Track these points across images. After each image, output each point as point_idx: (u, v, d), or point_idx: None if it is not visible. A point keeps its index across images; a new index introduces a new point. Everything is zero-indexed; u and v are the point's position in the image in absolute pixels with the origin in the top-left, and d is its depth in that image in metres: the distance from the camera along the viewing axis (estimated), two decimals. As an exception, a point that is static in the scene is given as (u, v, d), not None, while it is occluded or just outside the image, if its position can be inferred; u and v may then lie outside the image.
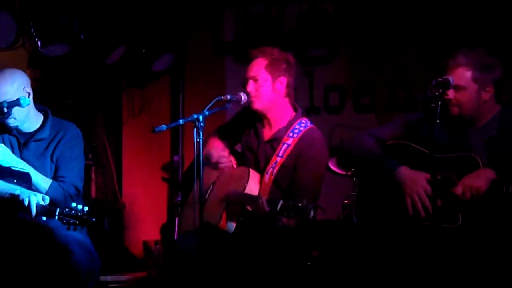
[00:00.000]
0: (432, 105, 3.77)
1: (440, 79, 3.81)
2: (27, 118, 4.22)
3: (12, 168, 4.07)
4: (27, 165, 4.14)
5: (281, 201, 3.91)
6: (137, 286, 5.36)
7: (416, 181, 3.84)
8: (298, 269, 4.24)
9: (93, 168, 6.38)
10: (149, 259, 5.74)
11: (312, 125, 4.38)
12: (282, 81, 4.34)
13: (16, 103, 4.10)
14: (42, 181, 4.12)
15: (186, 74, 6.43)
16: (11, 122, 4.17)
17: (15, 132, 4.23)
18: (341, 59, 6.08)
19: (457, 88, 3.84)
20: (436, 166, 3.79)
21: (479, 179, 3.69)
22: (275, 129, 4.37)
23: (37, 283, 4.08)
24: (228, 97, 4.12)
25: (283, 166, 4.28)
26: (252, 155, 4.41)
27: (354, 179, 4.65)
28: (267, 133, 4.41)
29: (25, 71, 4.26)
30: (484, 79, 3.84)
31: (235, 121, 4.58)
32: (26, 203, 3.86)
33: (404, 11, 5.82)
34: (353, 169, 4.98)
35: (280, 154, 4.31)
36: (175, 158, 6.33)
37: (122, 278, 5.33)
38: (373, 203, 4.02)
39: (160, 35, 6.21)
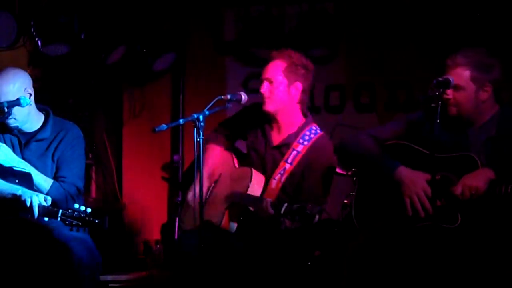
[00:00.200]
0: (432, 104, 3.77)
1: (440, 79, 3.81)
2: (28, 118, 4.22)
3: (14, 168, 4.08)
4: (28, 165, 4.14)
5: (286, 204, 3.92)
6: (137, 285, 5.36)
7: (415, 181, 3.84)
8: (299, 268, 4.24)
9: (93, 167, 6.39)
10: (149, 258, 5.74)
11: (322, 132, 4.38)
12: (298, 87, 4.32)
13: (16, 103, 4.10)
14: (43, 181, 4.13)
15: (186, 73, 6.43)
16: (12, 122, 4.17)
17: (16, 132, 4.24)
18: (342, 59, 6.08)
19: (456, 88, 3.84)
20: (435, 166, 3.79)
21: (478, 179, 3.69)
22: (284, 134, 4.36)
23: (38, 281, 4.09)
24: (229, 96, 4.13)
25: (292, 174, 4.27)
26: (258, 157, 4.39)
27: (354, 178, 4.65)
28: (276, 137, 4.39)
29: (25, 71, 4.27)
30: (482, 79, 3.84)
31: (241, 116, 4.54)
32: (28, 204, 3.86)
33: (404, 11, 5.82)
34: (353, 169, 4.98)
35: (289, 161, 4.29)
36: (175, 157, 6.33)
37: (123, 277, 5.33)
38: (372, 203, 4.02)
39: (160, 34, 6.21)
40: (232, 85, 6.15)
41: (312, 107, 6.07)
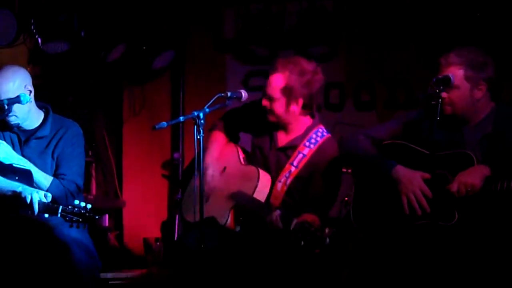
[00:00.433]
0: (432, 102, 3.77)
1: (440, 77, 3.82)
2: (28, 115, 4.22)
3: (14, 165, 4.08)
4: (28, 162, 4.14)
5: (295, 220, 3.90)
6: (137, 283, 5.36)
7: (412, 180, 3.84)
8: (299, 267, 4.24)
9: (93, 165, 6.39)
10: (149, 256, 5.74)
11: (328, 134, 4.36)
12: (299, 102, 4.26)
13: (16, 100, 4.10)
14: (43, 178, 4.13)
15: (186, 71, 6.43)
16: (13, 119, 4.17)
17: (16, 130, 4.24)
18: (341, 57, 6.08)
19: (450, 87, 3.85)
20: (431, 164, 3.80)
21: (474, 176, 3.69)
22: (291, 136, 4.34)
23: (38, 280, 4.09)
24: (229, 94, 4.10)
25: (297, 177, 4.26)
26: (263, 158, 4.38)
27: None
28: (282, 139, 4.36)
29: (25, 68, 4.26)
30: (476, 77, 3.84)
31: (248, 110, 4.49)
32: (28, 201, 3.86)
33: (404, 10, 5.82)
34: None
35: (295, 164, 4.28)
36: (176, 155, 6.33)
37: (123, 275, 5.33)
38: (370, 203, 4.03)
39: (160, 32, 6.21)
40: (232, 83, 6.15)
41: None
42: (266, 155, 4.37)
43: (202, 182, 3.92)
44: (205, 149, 4.39)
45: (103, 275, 4.77)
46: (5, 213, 4.01)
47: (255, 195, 4.23)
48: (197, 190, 3.90)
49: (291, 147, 4.32)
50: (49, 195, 3.92)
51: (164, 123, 3.94)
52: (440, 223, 3.74)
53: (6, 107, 4.10)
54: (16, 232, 4.11)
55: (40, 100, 4.38)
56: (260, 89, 6.02)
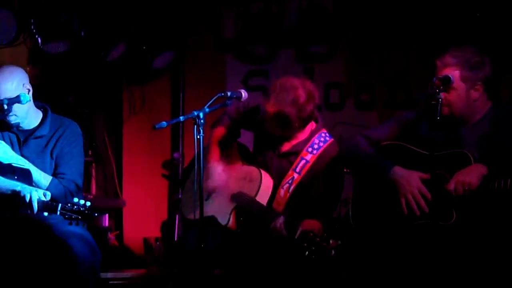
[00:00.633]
0: (432, 102, 3.78)
1: (440, 76, 3.82)
2: (27, 115, 4.23)
3: (13, 164, 4.08)
4: (27, 162, 4.14)
5: (300, 229, 3.90)
6: (137, 283, 5.35)
7: (410, 181, 3.85)
8: (299, 267, 4.24)
9: (93, 165, 6.39)
10: (149, 256, 5.74)
11: (331, 139, 4.35)
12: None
13: (16, 100, 4.11)
14: (42, 178, 4.13)
15: (186, 71, 6.43)
16: (13, 119, 4.18)
17: (15, 129, 4.24)
18: (341, 56, 6.08)
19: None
20: (429, 164, 3.80)
21: (471, 175, 3.69)
22: (294, 141, 4.32)
23: (38, 278, 4.09)
24: (229, 93, 4.08)
25: (300, 183, 4.25)
26: (264, 161, 4.36)
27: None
28: (285, 144, 4.34)
29: (25, 68, 4.27)
30: (472, 77, 3.84)
31: (253, 113, 4.46)
32: (27, 199, 3.86)
33: (404, 9, 5.82)
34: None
35: (297, 170, 4.27)
36: (175, 155, 6.34)
37: (123, 275, 5.32)
38: (368, 204, 4.03)
39: (160, 32, 6.21)
40: (232, 83, 6.16)
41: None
42: (268, 159, 4.36)
43: (202, 181, 3.90)
44: (207, 147, 4.40)
45: (103, 275, 4.76)
46: (4, 212, 4.01)
47: (257, 197, 4.22)
48: (197, 188, 3.89)
49: (294, 153, 4.31)
50: (48, 193, 3.92)
51: (164, 123, 3.93)
52: (439, 223, 3.74)
53: (6, 106, 4.10)
54: (15, 231, 4.11)
55: (40, 100, 4.38)
56: (260, 88, 6.09)
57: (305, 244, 3.84)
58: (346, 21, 6.01)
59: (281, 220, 4.06)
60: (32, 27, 5.85)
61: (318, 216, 4.14)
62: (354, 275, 4.15)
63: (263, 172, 4.28)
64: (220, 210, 4.29)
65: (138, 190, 6.42)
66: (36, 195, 3.87)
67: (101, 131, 6.48)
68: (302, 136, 4.32)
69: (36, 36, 5.87)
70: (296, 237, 3.92)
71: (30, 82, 4.26)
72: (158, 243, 5.78)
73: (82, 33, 5.88)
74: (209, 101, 3.95)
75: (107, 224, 6.15)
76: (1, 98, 4.09)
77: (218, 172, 4.37)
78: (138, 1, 6.16)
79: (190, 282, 4.20)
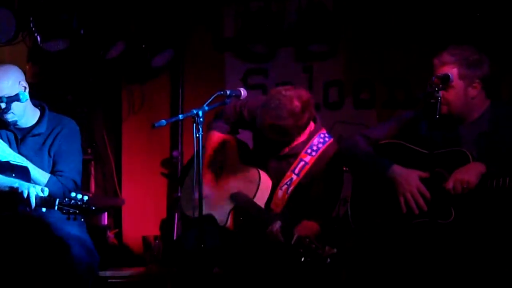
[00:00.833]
0: (431, 101, 3.78)
1: (439, 75, 3.83)
2: (24, 113, 4.23)
3: (11, 162, 4.08)
4: (25, 160, 4.14)
5: (296, 234, 3.89)
6: (136, 281, 5.36)
7: (408, 179, 3.85)
8: (298, 267, 4.24)
9: (92, 163, 6.38)
10: (148, 254, 5.74)
11: (330, 139, 4.34)
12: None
13: (16, 98, 4.12)
14: (40, 175, 4.13)
15: (185, 69, 6.42)
16: (10, 117, 4.18)
17: (12, 128, 4.24)
18: (341, 55, 6.08)
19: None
20: (428, 163, 3.80)
21: (470, 173, 3.70)
22: (293, 143, 4.31)
23: (37, 278, 4.09)
24: (228, 92, 4.07)
25: (299, 185, 4.25)
26: (263, 162, 4.35)
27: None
28: (284, 147, 4.33)
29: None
30: (470, 75, 3.85)
31: (250, 114, 4.46)
32: (25, 195, 3.86)
33: (404, 9, 5.82)
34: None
35: (296, 172, 4.27)
36: (175, 153, 6.33)
37: (122, 273, 5.33)
38: (367, 203, 4.04)
39: (159, 31, 6.20)
40: (232, 81, 6.15)
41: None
42: (266, 160, 4.35)
43: (201, 179, 3.90)
44: (205, 146, 4.39)
45: (102, 273, 4.77)
46: (3, 209, 4.01)
47: (255, 198, 4.22)
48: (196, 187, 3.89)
49: (293, 155, 4.30)
50: (46, 189, 3.92)
51: (163, 121, 3.92)
52: (438, 221, 3.74)
53: (5, 105, 4.11)
54: (13, 229, 4.10)
55: (39, 98, 4.38)
56: (259, 87, 6.09)
57: (301, 250, 3.84)
58: (346, 20, 6.00)
59: (277, 225, 4.06)
60: (32, 26, 5.85)
61: (316, 217, 4.14)
62: (354, 274, 4.15)
63: (262, 173, 4.28)
64: (218, 211, 4.29)
65: (137, 189, 6.41)
66: (34, 191, 3.88)
67: (100, 129, 6.47)
68: (301, 138, 4.31)
69: (36, 35, 5.86)
70: (292, 243, 3.92)
71: (29, 81, 4.26)
72: (157, 241, 5.79)
73: (82, 32, 5.87)
74: (208, 100, 3.95)
75: (106, 222, 6.15)
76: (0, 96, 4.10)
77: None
78: (137, 0, 6.15)
79: (189, 281, 4.20)
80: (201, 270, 4.05)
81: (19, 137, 4.25)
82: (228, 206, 4.29)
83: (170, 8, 6.25)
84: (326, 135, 4.35)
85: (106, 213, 6.13)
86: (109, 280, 5.20)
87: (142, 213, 6.35)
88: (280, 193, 4.26)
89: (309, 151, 4.28)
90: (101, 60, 6.08)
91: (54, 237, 4.08)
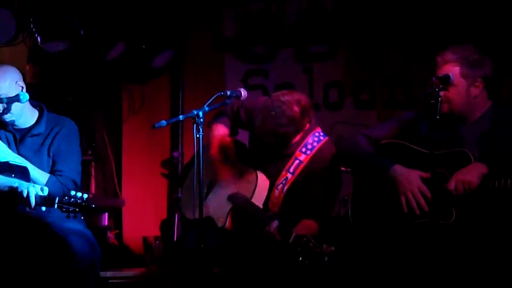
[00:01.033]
0: (432, 101, 3.78)
1: (439, 75, 3.83)
2: (22, 113, 4.23)
3: (10, 162, 4.08)
4: (24, 160, 4.15)
5: (294, 233, 3.90)
6: (137, 282, 5.36)
7: (410, 179, 3.85)
8: (298, 267, 4.24)
9: (92, 164, 6.38)
10: (148, 254, 5.74)
11: (325, 138, 4.35)
12: None
13: (16, 99, 4.13)
14: (40, 175, 4.13)
15: (185, 70, 6.42)
16: (7, 117, 4.19)
17: (11, 128, 4.24)
18: (341, 55, 6.08)
19: None
20: (429, 163, 3.80)
21: (471, 173, 3.70)
22: (289, 144, 4.32)
23: (39, 276, 4.09)
24: (228, 93, 4.08)
25: (294, 184, 4.26)
26: (260, 163, 4.36)
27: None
28: (280, 148, 4.34)
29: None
30: (472, 74, 3.85)
31: (247, 115, 4.49)
32: (25, 194, 3.86)
33: (404, 9, 5.82)
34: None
35: (291, 171, 4.28)
36: (175, 154, 6.33)
37: (122, 274, 5.33)
38: (368, 203, 4.03)
39: (159, 31, 6.21)
40: (232, 82, 6.16)
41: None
42: (263, 161, 4.36)
43: (201, 180, 3.90)
44: (207, 145, 4.40)
45: (102, 274, 4.77)
46: (3, 209, 4.01)
47: (253, 198, 4.23)
48: (196, 187, 3.89)
49: (289, 155, 4.31)
50: (46, 188, 3.92)
51: (164, 122, 3.93)
52: (439, 222, 3.74)
53: (6, 105, 4.11)
54: (14, 229, 4.11)
55: (39, 99, 4.38)
56: (259, 87, 6.09)
57: (299, 249, 3.84)
58: (346, 21, 6.00)
59: (275, 224, 4.06)
60: (32, 26, 5.85)
61: (315, 216, 4.14)
62: (354, 275, 4.15)
63: (259, 173, 4.28)
64: (217, 212, 4.29)
65: (138, 189, 6.41)
66: (34, 190, 3.88)
67: (100, 130, 6.47)
68: (296, 137, 4.32)
69: (36, 35, 5.86)
70: (290, 241, 3.92)
71: (29, 81, 4.26)
72: (157, 242, 5.79)
73: (82, 32, 5.87)
74: (208, 100, 3.96)
75: (106, 223, 6.15)
76: (1, 97, 4.10)
77: (217, 166, 4.36)
78: (137, 0, 6.16)
79: (189, 281, 4.20)
80: (201, 270, 4.05)
81: (18, 138, 4.25)
82: (226, 207, 4.29)
83: (170, 8, 6.25)
84: (321, 133, 4.36)
85: (106, 214, 6.13)
86: (110, 281, 5.20)
87: (142, 214, 6.35)
88: (276, 192, 4.27)
89: (303, 149, 4.29)
90: (101, 60, 6.08)
91: (54, 235, 4.08)
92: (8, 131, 4.25)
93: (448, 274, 3.74)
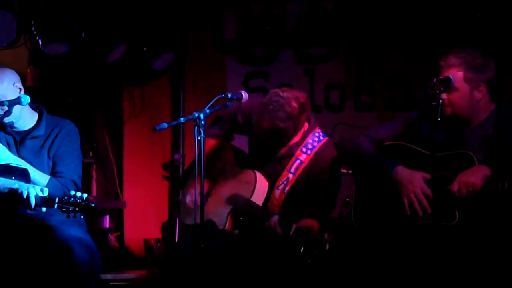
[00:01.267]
0: (433, 103, 3.77)
1: (441, 77, 3.82)
2: (21, 114, 4.23)
3: (10, 164, 4.08)
4: (24, 162, 4.14)
5: (294, 226, 3.90)
6: (138, 284, 5.36)
7: (413, 181, 3.85)
8: (299, 267, 4.24)
9: (94, 166, 6.38)
10: (150, 257, 5.75)
11: (325, 138, 4.34)
12: None
13: (17, 101, 4.12)
14: (40, 177, 4.13)
15: (186, 72, 6.43)
16: (6, 119, 4.18)
17: (11, 131, 4.24)
18: (341, 57, 6.09)
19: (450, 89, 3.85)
20: (432, 165, 3.80)
21: (475, 176, 3.70)
22: (288, 144, 4.31)
23: (39, 282, 4.09)
24: (229, 95, 4.07)
25: (295, 184, 4.25)
26: (260, 166, 4.35)
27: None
28: (280, 149, 4.33)
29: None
30: (476, 78, 3.84)
31: (244, 118, 4.47)
32: (25, 196, 3.86)
33: (404, 9, 5.83)
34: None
35: (292, 171, 4.27)
36: (176, 156, 6.33)
37: (123, 276, 5.34)
38: (371, 204, 4.03)
39: (160, 33, 6.21)
40: (233, 84, 6.16)
41: (313, 106, 6.08)
42: (263, 163, 4.35)
43: (202, 182, 3.90)
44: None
45: (103, 276, 4.77)
46: (3, 211, 4.01)
47: (252, 199, 4.23)
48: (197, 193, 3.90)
49: (289, 156, 4.31)
50: (46, 189, 3.91)
51: (165, 124, 3.93)
52: (442, 224, 3.74)
53: (7, 108, 4.11)
54: (15, 233, 4.10)
55: (41, 101, 4.38)
56: (260, 90, 6.09)
57: (300, 239, 3.84)
58: (346, 22, 6.01)
59: (275, 218, 4.06)
60: (33, 29, 5.85)
61: (315, 216, 4.13)
62: (357, 276, 4.15)
63: (258, 173, 4.28)
64: (216, 214, 4.29)
65: (139, 191, 6.41)
66: (34, 191, 3.87)
67: (101, 132, 6.47)
68: (295, 138, 4.31)
69: (37, 38, 5.87)
70: (290, 233, 3.92)
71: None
72: (158, 244, 5.80)
73: (83, 35, 5.88)
74: (209, 103, 3.96)
75: (107, 225, 6.16)
76: (2, 100, 4.10)
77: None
78: (138, 2, 6.16)
79: (189, 284, 4.20)
80: (200, 273, 4.05)
81: (18, 140, 4.25)
82: (226, 209, 4.29)
83: (171, 10, 6.26)
84: (321, 133, 4.36)
85: (107, 216, 6.13)
86: (111, 283, 5.21)
87: (143, 216, 6.35)
88: (277, 192, 4.27)
89: (304, 149, 4.29)
90: (102, 63, 6.09)
91: (55, 240, 4.08)
92: (8, 133, 4.25)
93: (451, 276, 3.74)
